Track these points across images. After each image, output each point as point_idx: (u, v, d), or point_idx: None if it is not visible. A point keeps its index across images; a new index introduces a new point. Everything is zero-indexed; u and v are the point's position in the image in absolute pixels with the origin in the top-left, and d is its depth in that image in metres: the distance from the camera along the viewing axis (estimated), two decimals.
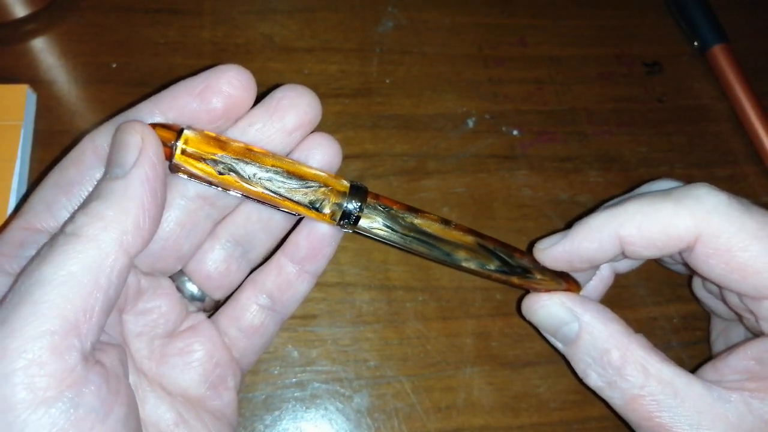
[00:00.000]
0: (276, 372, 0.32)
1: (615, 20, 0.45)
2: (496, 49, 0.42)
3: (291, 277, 0.27)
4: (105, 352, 0.21)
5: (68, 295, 0.18)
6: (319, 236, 0.26)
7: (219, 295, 0.28)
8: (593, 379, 0.27)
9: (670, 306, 0.36)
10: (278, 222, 0.27)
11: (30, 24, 0.38)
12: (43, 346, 0.18)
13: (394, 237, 0.25)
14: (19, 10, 0.37)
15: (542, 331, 0.29)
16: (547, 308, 0.28)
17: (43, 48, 0.38)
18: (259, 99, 0.25)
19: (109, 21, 0.39)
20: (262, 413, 0.31)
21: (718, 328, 0.33)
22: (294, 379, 0.32)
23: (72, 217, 0.20)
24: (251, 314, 0.27)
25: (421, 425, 0.31)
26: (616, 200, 0.30)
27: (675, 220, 0.25)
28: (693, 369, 0.27)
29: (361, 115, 0.39)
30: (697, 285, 0.33)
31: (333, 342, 0.33)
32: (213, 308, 0.28)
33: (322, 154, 0.26)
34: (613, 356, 0.26)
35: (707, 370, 0.27)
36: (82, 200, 0.23)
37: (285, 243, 0.27)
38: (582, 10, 0.45)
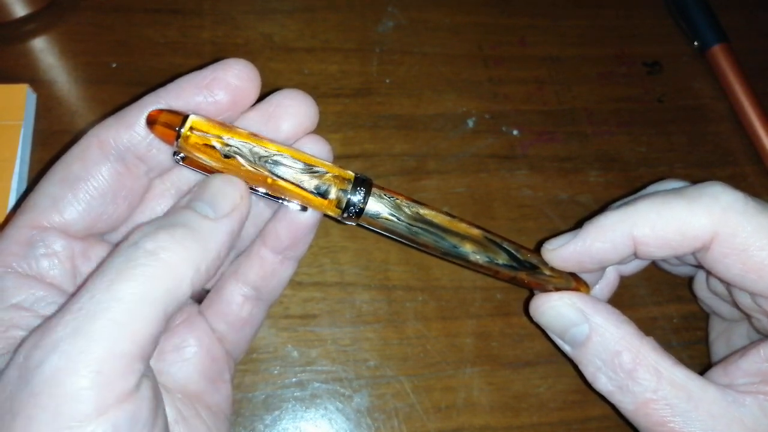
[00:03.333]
0: (276, 372, 0.32)
1: (615, 20, 0.45)
2: (496, 49, 0.42)
3: (274, 266, 0.27)
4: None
5: (143, 320, 0.19)
6: (300, 226, 0.26)
7: (209, 284, 0.28)
8: (602, 383, 0.26)
9: (670, 306, 0.36)
10: (263, 214, 0.27)
11: (30, 24, 0.38)
12: (114, 368, 0.18)
13: (400, 227, 0.25)
14: (19, 10, 0.37)
15: (549, 333, 0.29)
16: (557, 309, 0.27)
17: (43, 48, 0.38)
18: (258, 99, 0.25)
19: (109, 21, 0.39)
20: (262, 413, 0.31)
21: (717, 328, 0.33)
22: (294, 379, 0.32)
23: (152, 234, 0.20)
24: (238, 307, 0.27)
25: (421, 425, 0.31)
26: (624, 200, 0.30)
27: (691, 219, 0.25)
28: (699, 370, 0.27)
29: (361, 115, 0.39)
30: (699, 286, 0.33)
31: (333, 342, 0.33)
32: (200, 297, 0.28)
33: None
34: (625, 359, 0.25)
35: (717, 373, 0.27)
36: (87, 197, 0.23)
37: (264, 232, 0.27)
38: (582, 10, 0.45)
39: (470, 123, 0.39)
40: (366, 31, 0.41)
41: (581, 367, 0.27)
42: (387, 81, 0.40)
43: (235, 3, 0.41)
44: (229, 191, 0.23)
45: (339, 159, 0.37)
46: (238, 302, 0.27)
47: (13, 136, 0.33)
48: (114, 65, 0.38)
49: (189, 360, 0.26)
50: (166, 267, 0.19)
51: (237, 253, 0.28)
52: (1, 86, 0.34)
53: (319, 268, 0.34)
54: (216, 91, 0.23)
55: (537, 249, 0.28)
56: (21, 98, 0.34)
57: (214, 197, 0.22)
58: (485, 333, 0.34)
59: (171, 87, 0.24)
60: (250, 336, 0.28)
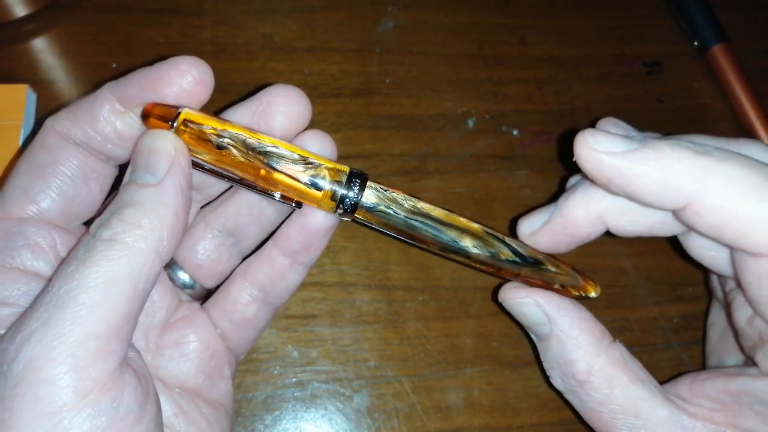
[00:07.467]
0: (276, 372, 0.32)
1: (615, 20, 0.45)
2: (496, 49, 0.42)
3: (283, 270, 0.26)
4: (132, 354, 0.21)
5: (112, 300, 0.19)
6: (312, 229, 0.25)
7: (210, 284, 0.28)
8: (557, 383, 0.27)
9: (670, 306, 0.36)
10: (269, 215, 0.27)
11: (30, 24, 0.38)
12: (89, 350, 0.18)
13: (398, 220, 0.24)
14: (19, 10, 0.37)
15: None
16: (520, 306, 0.28)
17: (43, 48, 0.38)
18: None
19: (109, 21, 0.39)
20: (262, 413, 0.31)
21: (715, 311, 0.33)
22: (294, 379, 0.32)
23: (106, 222, 0.20)
24: (243, 306, 0.27)
25: (421, 425, 0.31)
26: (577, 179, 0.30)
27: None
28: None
29: (361, 115, 0.39)
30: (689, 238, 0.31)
31: (333, 342, 0.33)
32: (204, 296, 0.28)
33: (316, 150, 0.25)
34: (578, 368, 0.26)
35: (683, 385, 0.27)
36: (57, 181, 0.23)
37: (276, 234, 0.27)
38: (582, 10, 0.45)
39: (470, 123, 0.39)
40: (366, 31, 0.41)
41: (541, 359, 0.28)
42: (387, 81, 0.40)
43: (235, 3, 0.41)
44: (159, 146, 0.21)
45: (339, 159, 0.37)
46: (243, 302, 0.27)
47: (13, 136, 0.33)
48: (114, 65, 0.38)
49: (187, 356, 0.26)
50: (125, 249, 0.19)
51: (244, 253, 0.28)
52: (1, 86, 0.34)
53: (319, 268, 0.34)
54: (165, 91, 0.23)
55: (513, 228, 0.28)
56: (21, 98, 0.34)
57: (147, 160, 0.21)
58: (485, 333, 0.34)
59: (124, 81, 0.23)
60: (253, 336, 0.28)
